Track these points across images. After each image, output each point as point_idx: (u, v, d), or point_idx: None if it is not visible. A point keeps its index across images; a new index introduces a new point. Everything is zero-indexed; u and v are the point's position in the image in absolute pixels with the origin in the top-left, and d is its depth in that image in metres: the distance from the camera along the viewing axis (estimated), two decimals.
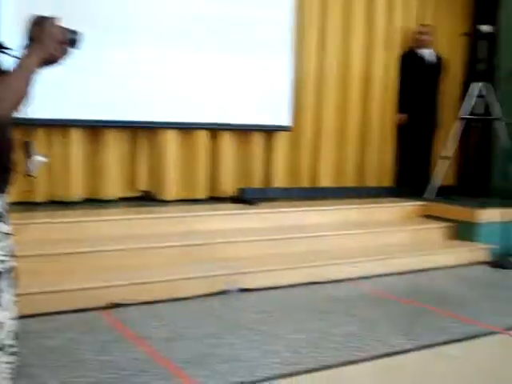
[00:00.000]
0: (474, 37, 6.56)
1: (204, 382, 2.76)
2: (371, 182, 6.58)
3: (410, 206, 6.07)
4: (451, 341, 3.40)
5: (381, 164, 6.62)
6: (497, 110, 6.18)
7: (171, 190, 5.52)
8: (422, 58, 6.67)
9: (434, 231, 5.76)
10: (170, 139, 5.48)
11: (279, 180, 6.06)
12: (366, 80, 6.48)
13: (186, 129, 5.54)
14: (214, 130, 5.67)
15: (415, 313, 3.92)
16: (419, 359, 3.15)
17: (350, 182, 6.48)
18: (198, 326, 3.51)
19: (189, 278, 4.12)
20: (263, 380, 2.80)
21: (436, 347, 3.30)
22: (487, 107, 6.26)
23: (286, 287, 4.36)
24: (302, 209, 5.50)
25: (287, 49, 5.82)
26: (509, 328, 3.68)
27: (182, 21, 5.31)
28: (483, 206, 5.82)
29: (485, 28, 6.25)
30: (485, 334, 3.56)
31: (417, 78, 6.62)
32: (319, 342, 3.29)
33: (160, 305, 3.86)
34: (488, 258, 5.52)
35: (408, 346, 3.28)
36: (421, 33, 6.63)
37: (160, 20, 5.22)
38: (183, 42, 5.34)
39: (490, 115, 6.25)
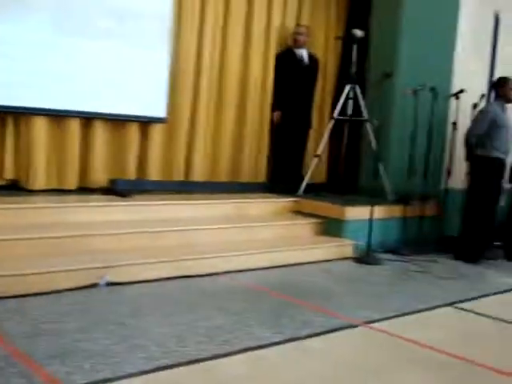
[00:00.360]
0: (347, 40, 6.82)
1: (66, 378, 2.67)
2: (246, 177, 6.67)
3: (281, 202, 6.21)
4: (314, 334, 3.51)
5: (255, 160, 6.73)
6: (365, 111, 6.46)
7: (39, 180, 5.30)
8: (297, 58, 6.83)
9: (304, 227, 5.93)
10: (40, 126, 5.26)
11: (153, 172, 5.99)
12: (243, 77, 6.55)
13: (56, 116, 5.33)
14: (87, 118, 5.51)
15: (283, 306, 4.01)
16: (283, 352, 3.22)
17: (224, 177, 6.53)
18: (63, 320, 3.40)
19: (57, 271, 3.96)
20: (128, 376, 2.75)
21: (299, 340, 3.39)
22: (358, 109, 6.52)
23: (157, 281, 4.31)
24: (176, 202, 5.48)
25: (165, 41, 5.77)
26: (369, 321, 3.85)
27: (60, 5, 5.11)
28: (351, 203, 6.06)
29: (357, 32, 6.51)
30: (346, 327, 3.70)
31: (292, 77, 6.77)
32: (187, 336, 3.29)
33: (25, 299, 3.69)
34: (354, 254, 5.77)
35: (273, 339, 3.35)
36: (297, 33, 6.79)
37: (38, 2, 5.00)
38: (56, 26, 5.14)
39: (360, 116, 6.52)
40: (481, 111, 6.20)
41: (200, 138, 6.28)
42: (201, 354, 3.06)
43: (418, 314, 4.13)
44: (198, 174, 6.31)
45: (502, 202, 6.86)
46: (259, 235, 5.48)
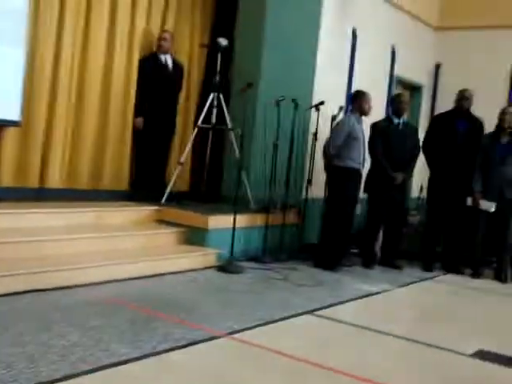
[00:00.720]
0: (212, 48, 6.81)
1: None
2: (107, 185, 6.42)
3: (144, 210, 6.07)
4: (175, 347, 3.43)
5: (117, 167, 6.50)
6: (229, 120, 6.47)
7: None
8: (161, 64, 6.72)
9: (167, 236, 5.84)
10: None
11: (5, 179, 5.61)
12: (105, 81, 6.31)
13: None
14: None
15: (143, 320, 3.89)
16: (142, 368, 3.11)
17: (84, 184, 6.25)
18: None
19: None
20: None
21: (159, 355, 3.29)
22: (222, 117, 6.52)
23: (7, 296, 4.02)
24: (30, 211, 5.17)
25: (20, 40, 5.42)
26: (231, 331, 3.83)
27: None
28: (214, 212, 6.05)
29: (222, 41, 6.52)
30: (209, 339, 3.65)
31: (155, 82, 6.64)
32: (39, 356, 3.08)
33: None
34: (217, 263, 5.74)
35: (132, 355, 3.22)
36: (161, 38, 6.68)
37: None
38: None
39: (224, 125, 6.53)
40: (338, 123, 6.44)
41: (58, 143, 5.95)
42: (53, 374, 2.87)
43: (280, 323, 4.17)
44: (56, 181, 5.99)
45: (358, 210, 7.16)
46: (120, 245, 5.30)
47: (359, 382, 3.25)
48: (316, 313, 4.54)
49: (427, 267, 6.76)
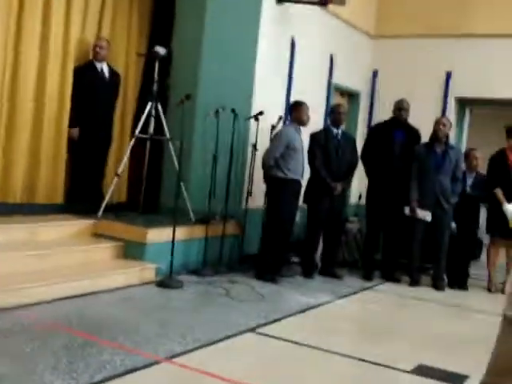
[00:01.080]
0: (149, 57, 6.67)
1: None
2: (41, 198, 6.18)
3: (79, 224, 5.89)
4: (113, 376, 3.32)
5: (52, 180, 6.24)
6: (167, 130, 6.36)
7: None
8: (97, 72, 6.55)
9: (104, 251, 5.70)
10: None
11: None
12: (39, 90, 6.05)
13: None
14: None
15: (78, 345, 3.74)
16: None
17: (17, 198, 5.99)
18: None
19: None
20: None
21: None
22: (160, 127, 6.40)
23: None
24: None
25: None
26: (172, 355, 3.74)
27: None
28: (152, 225, 5.93)
29: (160, 50, 6.40)
30: (148, 365, 3.55)
31: (92, 91, 6.46)
32: None
33: None
34: (156, 278, 5.63)
35: None
36: (97, 46, 6.51)
37: None
38: None
39: (162, 135, 6.41)
40: (276, 134, 6.42)
41: None
42: None
43: (221, 344, 4.11)
44: None
45: (298, 218, 7.17)
46: (55, 263, 5.11)
47: None
48: (257, 330, 4.50)
49: (367, 276, 6.83)
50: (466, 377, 3.91)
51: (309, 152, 6.62)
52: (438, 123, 6.65)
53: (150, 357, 3.68)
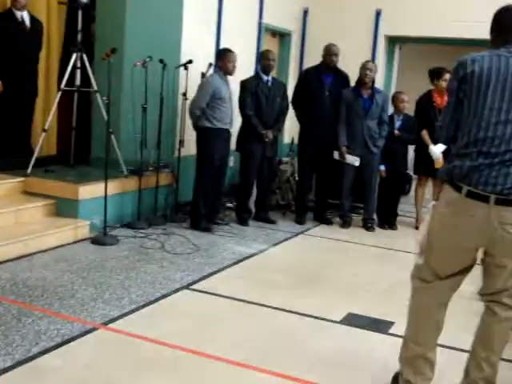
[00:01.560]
0: (71, 5, 6.42)
1: None
2: None
3: (8, 183, 5.76)
4: (50, 348, 3.36)
5: None
6: (94, 82, 6.19)
7: None
8: (17, 21, 6.26)
9: (35, 210, 5.61)
10: None
11: None
12: None
13: None
14: None
15: (12, 315, 3.75)
16: (14, 380, 3.02)
17: None
18: None
19: None
20: None
21: (33, 360, 3.21)
22: (86, 78, 6.23)
23: None
24: None
25: None
26: (107, 321, 3.80)
27: None
28: (84, 180, 5.87)
29: None
30: (84, 333, 3.61)
31: (13, 41, 6.20)
32: None
33: None
34: (90, 234, 5.63)
35: (5, 365, 3.13)
36: None
37: None
38: None
39: (89, 87, 6.25)
40: (201, 84, 6.34)
41: None
42: None
43: (157, 304, 4.19)
44: None
45: (232, 163, 7.24)
46: None
47: (234, 367, 3.35)
48: (193, 287, 4.59)
49: (300, 220, 7.00)
50: (391, 323, 4.13)
51: (239, 100, 6.60)
52: (364, 68, 6.70)
53: (86, 323, 3.73)
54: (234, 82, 6.53)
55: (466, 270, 2.90)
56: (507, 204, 2.65)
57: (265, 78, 6.62)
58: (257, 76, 6.75)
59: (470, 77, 2.72)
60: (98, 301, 4.12)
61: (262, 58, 6.68)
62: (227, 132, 6.32)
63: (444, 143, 3.41)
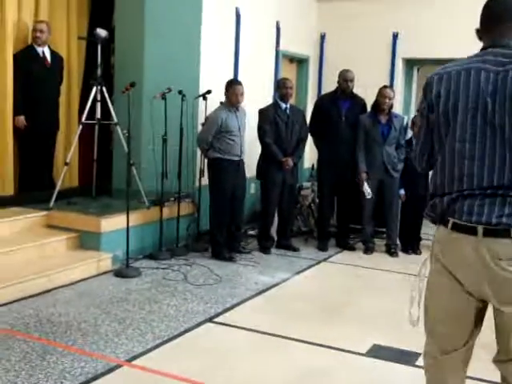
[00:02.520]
0: (91, 40, 6.51)
1: None
2: None
3: (32, 217, 5.82)
4: None
5: (1, 171, 6.15)
6: (115, 114, 6.26)
7: None
8: (39, 57, 6.39)
9: (58, 244, 5.65)
10: None
11: None
12: None
13: None
14: None
15: (38, 352, 3.76)
16: None
17: None
18: None
19: None
20: None
21: None
22: (107, 111, 6.30)
23: None
24: None
25: None
26: (131, 357, 3.79)
27: None
28: (106, 213, 5.90)
29: (101, 32, 6.23)
30: (108, 371, 3.60)
31: (34, 77, 6.32)
32: None
33: None
34: (113, 267, 5.65)
35: None
36: (37, 29, 6.33)
37: None
38: None
39: (109, 119, 6.32)
40: (207, 118, 6.36)
41: None
42: None
43: (180, 338, 4.17)
44: None
45: (253, 190, 7.24)
46: (6, 261, 5.05)
47: None
48: (216, 319, 4.57)
49: (322, 246, 6.96)
50: (418, 354, 4.05)
51: (258, 128, 6.62)
52: (382, 96, 6.67)
53: (110, 360, 3.72)
54: (253, 110, 6.55)
55: (473, 334, 2.45)
56: (497, 235, 2.20)
57: (283, 105, 6.63)
58: (275, 104, 6.76)
59: (436, 102, 2.31)
60: (122, 336, 4.12)
61: (280, 87, 6.70)
62: (238, 162, 6.31)
63: (422, 172, 2.97)
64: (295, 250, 6.81)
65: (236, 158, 6.25)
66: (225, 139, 6.15)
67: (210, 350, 4.01)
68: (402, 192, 6.86)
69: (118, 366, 3.67)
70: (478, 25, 2.41)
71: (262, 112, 6.65)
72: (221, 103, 6.64)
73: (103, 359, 3.74)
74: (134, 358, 3.80)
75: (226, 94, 6.29)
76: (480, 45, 2.39)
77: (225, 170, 6.20)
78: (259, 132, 6.61)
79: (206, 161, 6.58)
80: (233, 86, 6.23)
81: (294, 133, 6.65)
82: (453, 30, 8.41)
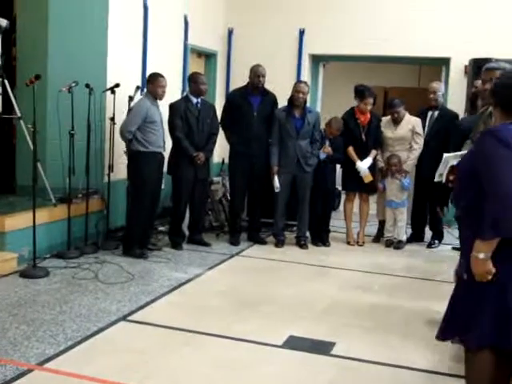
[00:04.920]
0: None
1: None
2: None
3: None
4: None
5: None
6: (17, 108, 6.00)
7: None
8: None
9: None
10: None
11: None
12: None
13: None
14: None
15: None
16: None
17: None
18: None
19: None
20: None
21: None
22: (9, 105, 6.03)
23: None
24: None
25: None
26: (43, 360, 3.64)
27: None
28: (10, 210, 5.66)
29: (1, 21, 5.95)
30: (19, 376, 3.44)
31: None
32: None
33: None
34: (19, 267, 5.41)
35: None
36: None
37: None
38: None
39: (12, 113, 6.05)
40: (131, 108, 6.26)
41: None
42: None
43: (94, 339, 4.05)
44: None
45: (163, 185, 7.15)
46: None
47: None
48: (130, 318, 4.48)
49: (234, 241, 6.97)
50: (333, 344, 4.15)
51: (169, 122, 6.54)
52: (297, 91, 6.74)
53: (20, 365, 3.56)
54: (162, 105, 6.46)
55: None
56: None
57: (194, 100, 6.58)
58: (186, 98, 6.69)
59: None
60: (32, 339, 3.95)
61: (193, 81, 6.62)
62: (160, 155, 6.25)
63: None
64: (207, 245, 6.79)
65: (159, 150, 6.16)
66: (149, 130, 6.06)
67: (125, 349, 3.92)
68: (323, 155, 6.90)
69: (29, 371, 3.51)
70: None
71: (172, 106, 6.57)
72: (130, 97, 6.53)
73: (12, 364, 3.57)
74: (46, 360, 3.65)
75: (149, 87, 6.20)
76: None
77: (149, 163, 6.10)
78: (170, 126, 6.53)
79: (113, 156, 6.43)
80: (157, 79, 6.16)
81: (205, 127, 6.62)
82: (352, 28, 8.70)
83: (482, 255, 2.62)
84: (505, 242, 2.60)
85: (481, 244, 2.62)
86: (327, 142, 6.96)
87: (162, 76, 6.20)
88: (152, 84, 6.16)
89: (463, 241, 2.90)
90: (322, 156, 6.85)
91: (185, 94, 6.89)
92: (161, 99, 6.22)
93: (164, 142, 6.28)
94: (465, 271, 2.77)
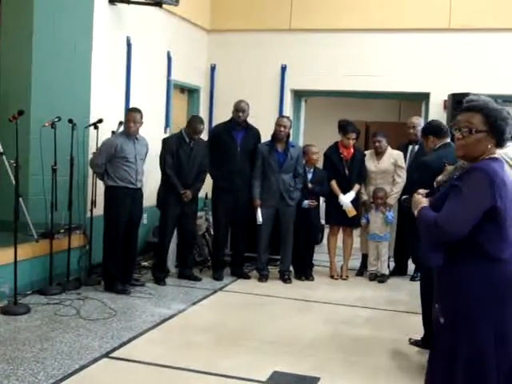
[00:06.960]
0: None
1: None
2: None
3: None
4: None
5: None
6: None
7: None
8: None
9: None
10: None
11: None
12: None
13: None
14: None
15: None
16: None
17: None
18: None
19: None
20: None
21: None
22: None
23: None
24: None
25: None
26: None
27: None
28: None
29: None
30: None
31: None
32: None
33: None
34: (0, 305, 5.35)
35: None
36: None
37: None
38: None
39: None
40: (102, 143, 6.18)
41: None
42: None
43: (75, 376, 3.99)
44: None
45: (145, 221, 7.14)
46: None
47: None
48: (113, 354, 4.42)
49: (217, 276, 6.94)
50: (317, 379, 4.12)
51: (160, 157, 6.57)
52: (279, 125, 6.81)
53: None
54: (152, 138, 6.50)
55: None
56: None
57: (187, 138, 6.60)
58: (180, 135, 6.69)
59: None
60: (12, 378, 3.88)
61: (192, 125, 6.60)
62: (134, 191, 6.18)
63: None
64: (197, 279, 6.77)
65: (131, 186, 6.11)
66: (120, 165, 6.03)
67: None
68: (306, 202, 6.94)
69: None
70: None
71: (165, 141, 6.63)
72: (113, 132, 6.55)
73: None
74: None
75: (124, 124, 6.21)
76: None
77: (119, 199, 6.06)
78: (161, 161, 6.56)
79: (96, 191, 6.43)
80: (128, 113, 6.19)
81: (196, 165, 6.63)
82: (333, 64, 8.84)
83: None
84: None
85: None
86: (310, 175, 7.01)
87: (135, 111, 6.15)
88: (126, 121, 6.16)
89: (437, 284, 2.89)
90: (305, 204, 6.90)
91: (179, 130, 6.87)
92: (130, 134, 6.10)
93: (137, 179, 6.16)
94: (441, 315, 2.78)
